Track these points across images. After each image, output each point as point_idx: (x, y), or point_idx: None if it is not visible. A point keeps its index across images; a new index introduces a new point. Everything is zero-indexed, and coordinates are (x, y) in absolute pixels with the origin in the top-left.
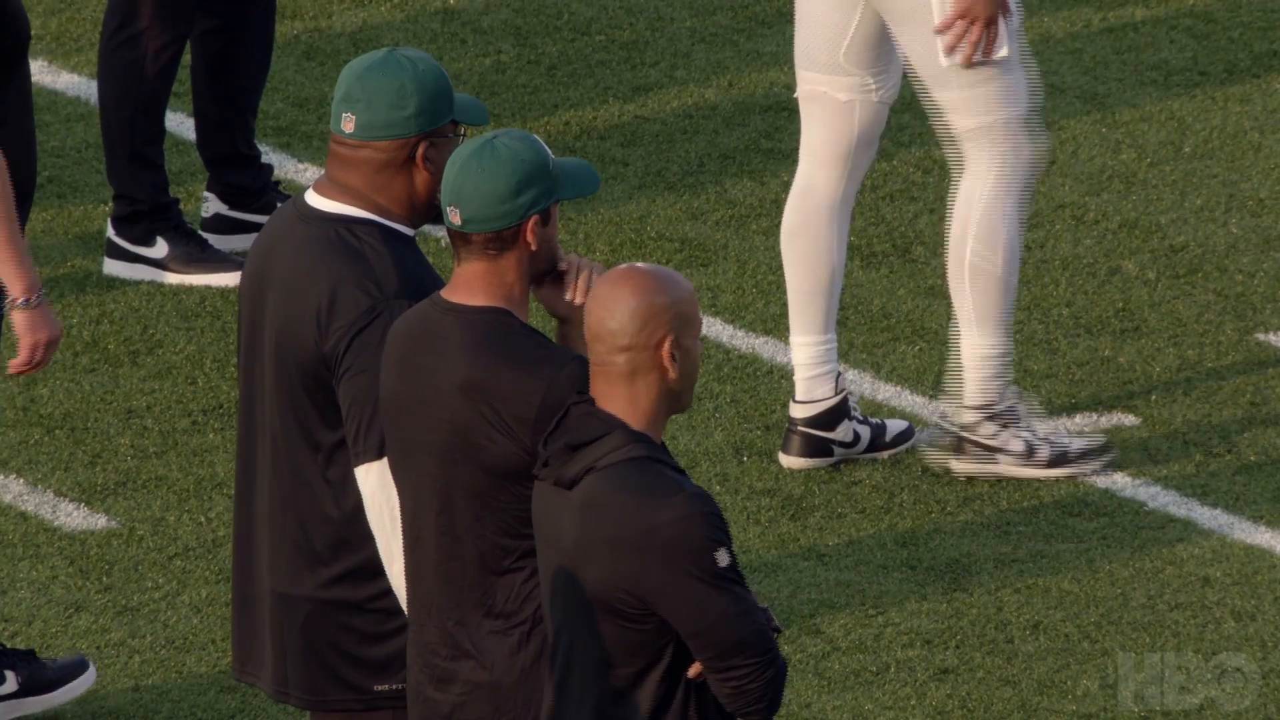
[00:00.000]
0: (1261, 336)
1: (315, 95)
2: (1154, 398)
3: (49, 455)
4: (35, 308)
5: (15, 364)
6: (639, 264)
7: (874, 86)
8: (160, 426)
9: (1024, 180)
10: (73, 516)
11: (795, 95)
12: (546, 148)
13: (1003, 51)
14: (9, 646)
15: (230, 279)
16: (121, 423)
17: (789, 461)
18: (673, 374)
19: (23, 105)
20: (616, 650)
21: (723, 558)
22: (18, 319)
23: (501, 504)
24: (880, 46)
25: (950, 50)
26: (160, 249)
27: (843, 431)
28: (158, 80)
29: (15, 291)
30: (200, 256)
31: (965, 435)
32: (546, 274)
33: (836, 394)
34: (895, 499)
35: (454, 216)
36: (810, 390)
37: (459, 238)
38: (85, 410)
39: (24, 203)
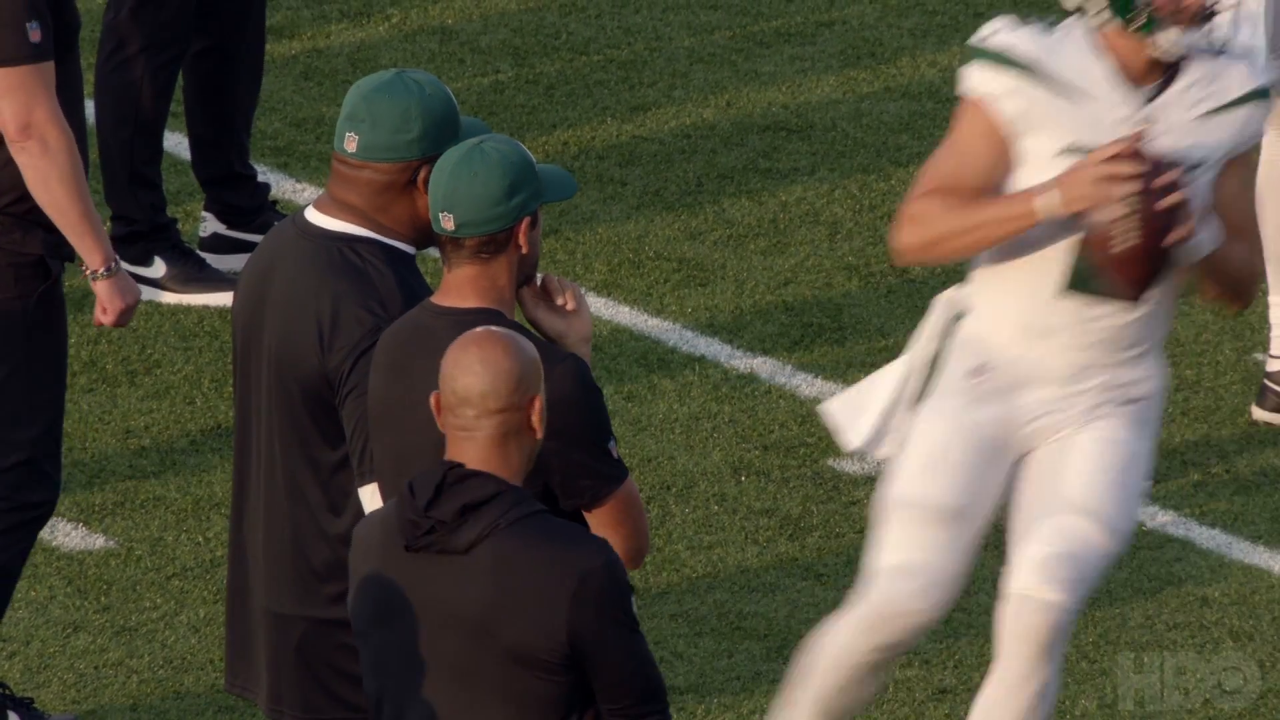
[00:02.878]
0: (1259, 356)
1: (313, 115)
2: None
3: None
4: (116, 275)
5: (105, 321)
6: (490, 327)
7: None
8: (158, 446)
9: None
10: (71, 536)
11: None
12: (527, 151)
13: None
14: (11, 692)
15: (227, 299)
16: (119, 442)
17: (1260, 415)
18: (540, 432)
19: (73, 97)
20: (530, 713)
21: (633, 604)
22: (101, 288)
23: None
24: None
25: None
26: (158, 268)
27: None
28: (155, 102)
29: (94, 263)
30: (198, 276)
31: (1268, 384)
32: (523, 284)
33: None
34: None
35: (447, 222)
36: None
37: (451, 243)
38: (83, 430)
39: None
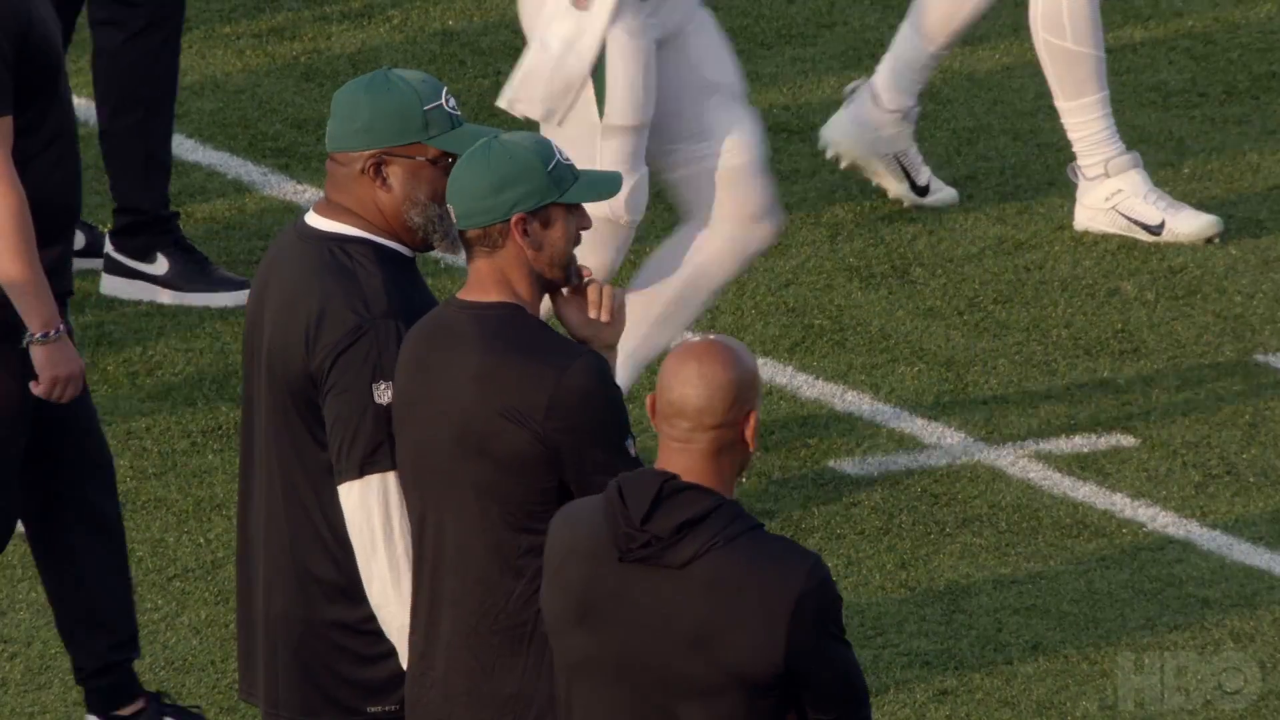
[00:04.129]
0: (1260, 358)
1: (314, 116)
2: (1153, 419)
3: None
4: (55, 342)
5: (37, 391)
6: (712, 337)
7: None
8: (159, 447)
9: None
10: None
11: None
12: (556, 151)
13: None
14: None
15: (229, 299)
16: (120, 444)
17: None
18: (753, 446)
19: (59, 136)
20: None
21: (842, 614)
22: (37, 354)
23: (509, 496)
24: None
25: None
26: (161, 265)
27: None
28: (162, 81)
29: (33, 326)
30: (201, 275)
31: None
32: (560, 287)
33: None
34: (894, 520)
35: (452, 214)
36: None
37: (461, 235)
38: None
39: (67, 229)
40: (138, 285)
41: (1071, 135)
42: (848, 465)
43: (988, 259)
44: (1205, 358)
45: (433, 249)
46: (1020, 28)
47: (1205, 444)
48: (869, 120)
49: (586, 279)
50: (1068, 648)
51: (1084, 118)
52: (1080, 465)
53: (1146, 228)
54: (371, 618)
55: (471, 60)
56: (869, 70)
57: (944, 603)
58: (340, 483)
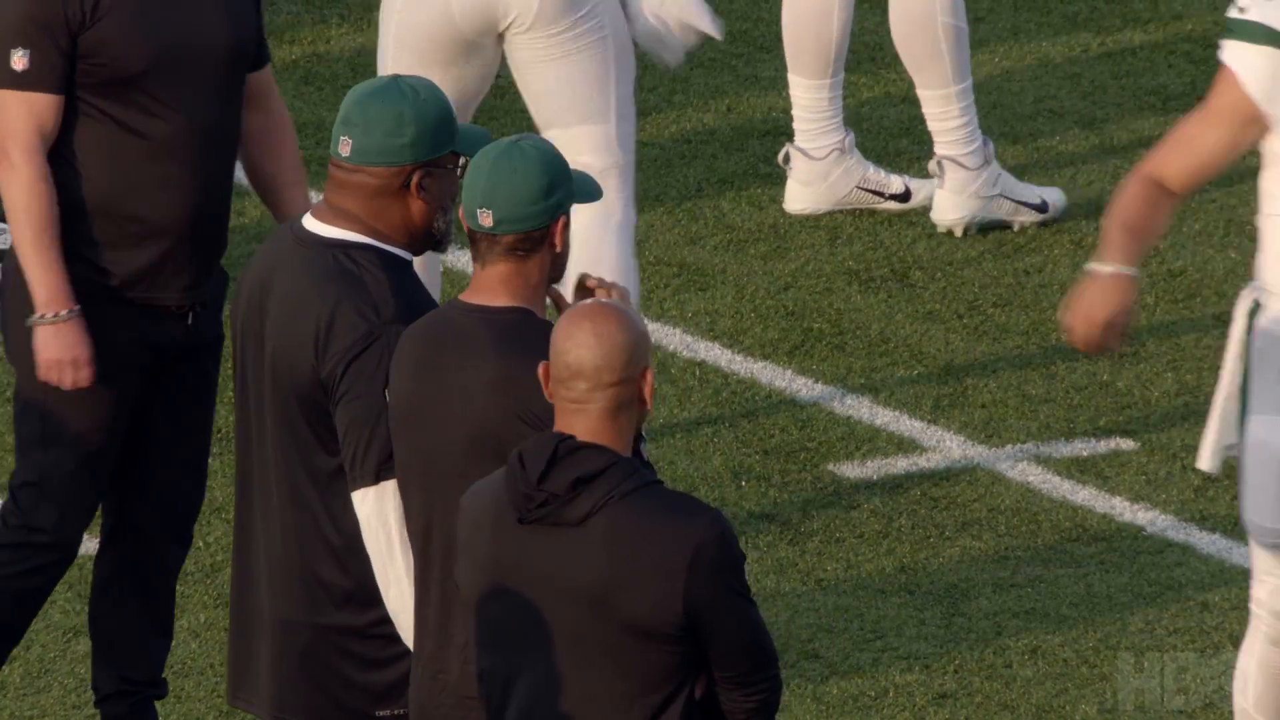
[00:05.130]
0: None
1: (313, 120)
2: (1152, 422)
3: None
4: (51, 324)
5: (40, 375)
6: (599, 299)
7: None
8: None
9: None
10: None
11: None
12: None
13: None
14: None
15: None
16: None
17: None
18: (650, 404)
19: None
20: (644, 682)
21: (745, 572)
22: (35, 334)
23: None
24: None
25: None
26: None
27: None
28: None
29: (36, 305)
30: None
31: None
32: (551, 282)
33: None
34: (893, 524)
35: (485, 219)
36: None
37: (486, 240)
38: None
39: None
40: None
41: (944, 124)
42: (847, 469)
43: (987, 262)
44: (1205, 361)
45: (443, 251)
46: (1019, 31)
47: None
48: (812, 175)
49: (591, 283)
50: (1067, 651)
51: (955, 105)
52: (1080, 469)
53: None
54: (379, 622)
55: None
56: (867, 73)
57: (943, 606)
58: (354, 489)
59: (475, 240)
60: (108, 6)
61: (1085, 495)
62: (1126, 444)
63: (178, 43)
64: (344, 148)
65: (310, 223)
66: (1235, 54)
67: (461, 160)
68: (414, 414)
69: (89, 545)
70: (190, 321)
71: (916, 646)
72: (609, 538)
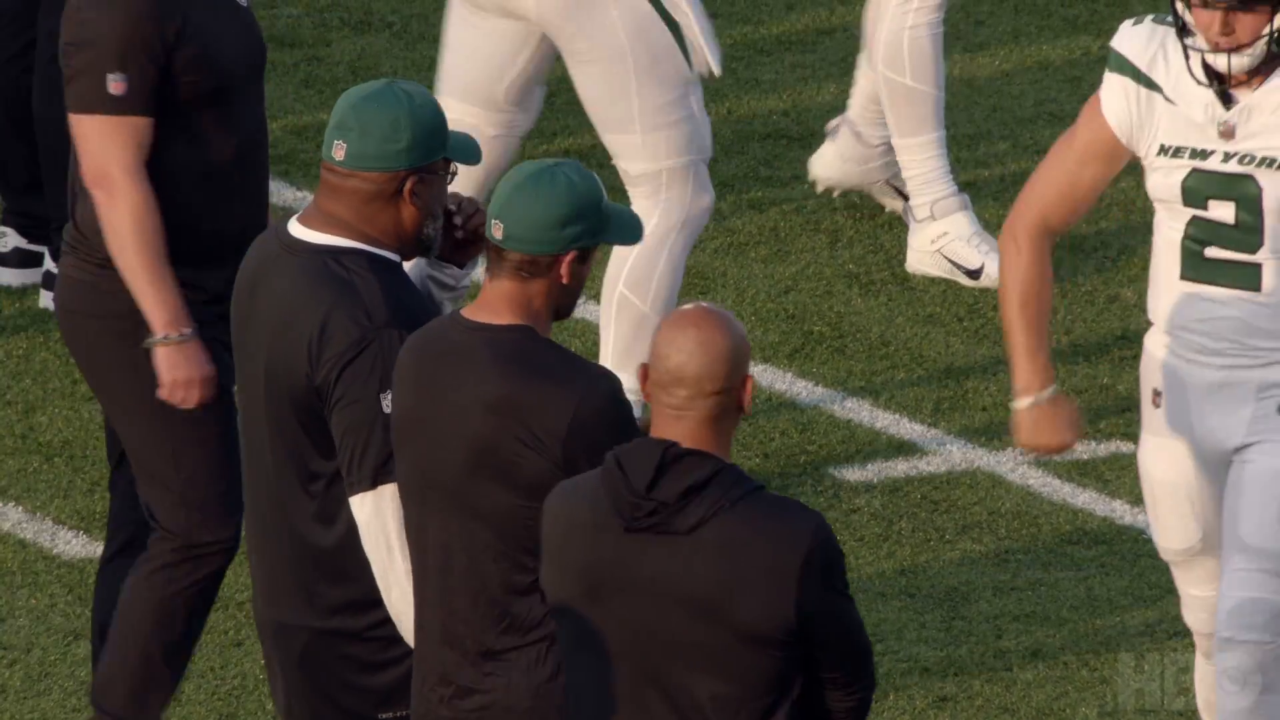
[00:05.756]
0: None
1: (313, 123)
2: None
3: (48, 483)
4: (173, 344)
5: (161, 395)
6: (702, 304)
7: (521, 124)
8: None
9: (689, 228)
10: (71, 544)
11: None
12: (602, 188)
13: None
14: None
15: None
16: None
17: None
18: (748, 410)
19: (215, 151)
20: (751, 687)
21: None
22: (155, 356)
23: (525, 521)
24: (537, 85)
25: None
26: None
27: None
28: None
29: (154, 326)
30: None
31: None
32: (561, 316)
33: None
34: (894, 527)
35: (495, 230)
36: None
37: (494, 252)
38: (84, 438)
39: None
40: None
41: (905, 174)
42: (847, 472)
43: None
44: None
45: (431, 257)
46: (1020, 34)
47: None
48: (856, 155)
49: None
50: (1067, 654)
51: (918, 156)
52: (1080, 472)
53: (967, 271)
54: (378, 624)
55: None
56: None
57: (944, 609)
58: (353, 494)
59: (488, 249)
60: (194, 25)
61: (1086, 498)
62: (1127, 447)
63: (242, 57)
64: (338, 152)
65: (297, 229)
66: (1105, 83)
67: (452, 167)
68: (413, 429)
69: (90, 548)
70: None
71: (917, 649)
72: (720, 546)
